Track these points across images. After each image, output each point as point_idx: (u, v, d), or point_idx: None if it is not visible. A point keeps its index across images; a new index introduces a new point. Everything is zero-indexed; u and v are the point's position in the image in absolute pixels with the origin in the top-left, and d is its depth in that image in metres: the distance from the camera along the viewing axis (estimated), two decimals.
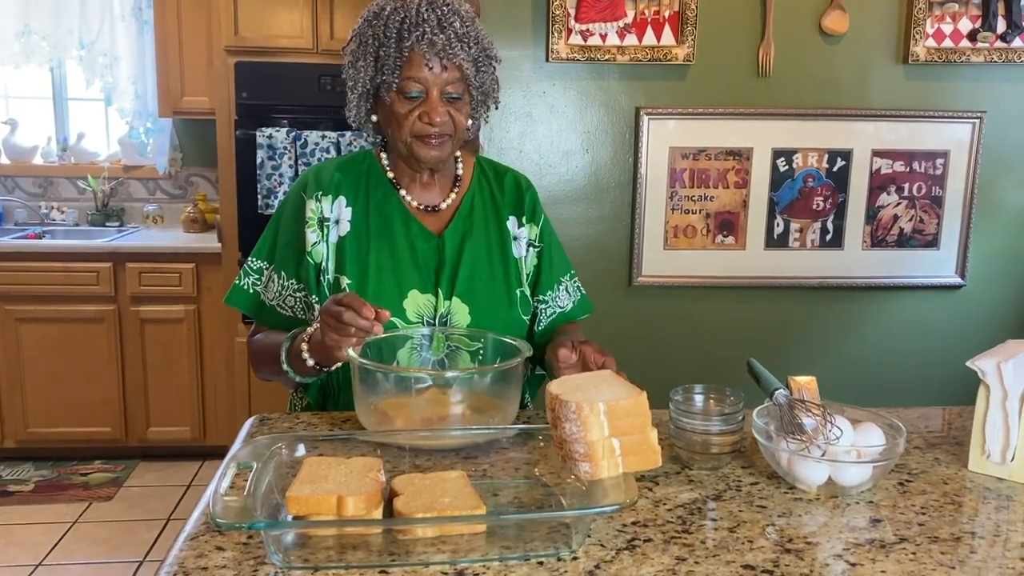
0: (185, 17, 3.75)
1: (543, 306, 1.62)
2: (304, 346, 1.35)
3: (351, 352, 1.26)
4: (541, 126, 2.63)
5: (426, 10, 1.39)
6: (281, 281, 1.51)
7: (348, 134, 3.42)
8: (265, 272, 1.54)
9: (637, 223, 2.67)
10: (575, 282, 1.69)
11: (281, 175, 3.42)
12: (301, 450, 1.09)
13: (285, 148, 3.41)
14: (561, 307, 1.64)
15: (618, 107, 2.63)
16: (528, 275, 1.60)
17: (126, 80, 4.04)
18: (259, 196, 3.43)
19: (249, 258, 1.56)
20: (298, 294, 1.50)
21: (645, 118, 2.61)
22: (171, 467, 3.72)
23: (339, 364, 1.34)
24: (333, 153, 3.43)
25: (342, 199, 1.51)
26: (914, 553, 0.98)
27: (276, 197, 3.42)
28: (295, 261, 1.50)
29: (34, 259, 3.58)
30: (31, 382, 3.65)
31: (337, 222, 1.50)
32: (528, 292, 1.59)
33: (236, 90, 3.46)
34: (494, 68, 1.49)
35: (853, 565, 0.95)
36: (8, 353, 3.62)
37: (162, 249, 3.64)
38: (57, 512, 3.28)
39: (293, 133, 3.42)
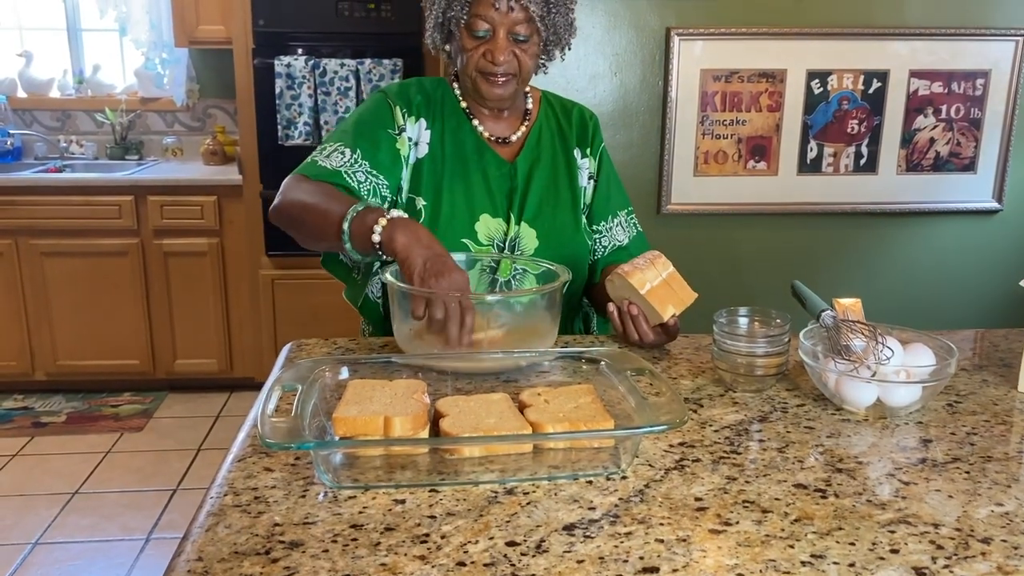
0: None
1: (598, 236, 1.61)
2: (383, 220, 1.23)
3: (388, 276, 1.24)
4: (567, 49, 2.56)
5: None
6: (354, 156, 1.42)
7: (367, 61, 3.35)
8: (330, 147, 1.44)
9: (667, 149, 2.61)
10: (632, 219, 1.67)
11: (300, 105, 3.37)
12: (345, 373, 1.08)
13: (304, 77, 3.35)
14: (618, 241, 1.63)
15: (648, 28, 2.56)
16: (586, 206, 1.60)
17: (140, 9, 3.96)
18: (279, 127, 3.39)
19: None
20: (371, 177, 1.42)
21: (676, 39, 2.54)
22: (199, 398, 3.77)
23: (390, 259, 1.27)
24: (352, 82, 3.36)
25: (422, 121, 1.51)
26: (968, 472, 0.97)
27: (296, 127, 3.38)
28: (376, 147, 1.44)
29: (55, 192, 3.57)
30: (58, 316, 3.68)
31: (416, 144, 1.50)
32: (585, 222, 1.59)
33: (253, 17, 3.38)
34: (570, 10, 1.45)
35: (906, 483, 0.94)
36: (35, 287, 3.64)
37: (183, 182, 3.62)
38: (90, 443, 3.33)
39: (312, 61, 3.35)
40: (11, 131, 4.01)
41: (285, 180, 1.44)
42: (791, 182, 2.66)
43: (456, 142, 1.51)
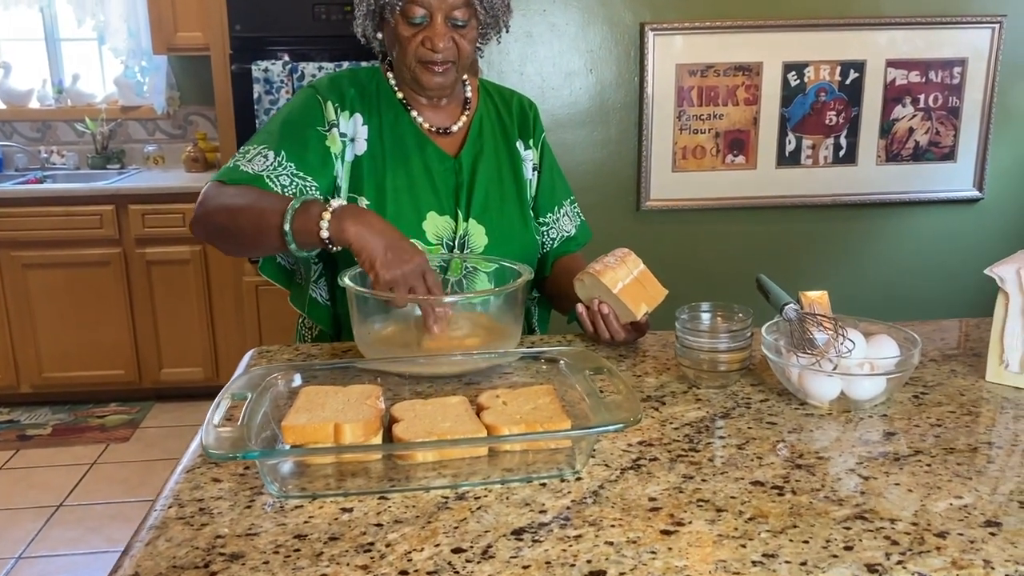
0: None
1: (545, 228, 1.58)
2: (327, 214, 1.19)
3: (347, 280, 1.22)
4: (542, 47, 2.54)
5: None
6: (278, 159, 1.36)
7: (346, 64, 3.33)
8: (252, 150, 1.38)
9: (644, 145, 2.60)
10: (575, 207, 1.65)
11: (279, 109, 3.35)
12: (298, 380, 1.07)
13: (282, 81, 3.33)
14: (566, 232, 1.60)
15: (622, 23, 2.54)
16: (532, 198, 1.57)
17: (118, 18, 3.94)
18: None
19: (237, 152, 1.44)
20: (297, 179, 1.36)
21: (650, 34, 2.52)
22: (185, 407, 3.75)
23: (340, 248, 1.23)
24: None
25: (358, 116, 1.44)
26: (929, 465, 0.96)
27: None
28: (303, 148, 1.38)
29: (36, 204, 3.55)
30: (43, 327, 3.66)
31: (353, 140, 1.44)
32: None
33: (229, 23, 3.36)
34: None
35: (866, 479, 0.92)
36: (17, 299, 3.61)
37: (164, 190, 3.59)
38: (75, 454, 3.31)
39: (289, 65, 3.33)
40: None
41: (203, 189, 1.37)
42: (770, 175, 2.64)
43: (395, 136, 1.45)
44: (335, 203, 1.22)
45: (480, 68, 2.51)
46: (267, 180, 1.34)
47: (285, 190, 1.35)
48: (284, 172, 1.36)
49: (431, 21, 1.35)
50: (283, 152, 1.37)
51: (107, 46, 4.00)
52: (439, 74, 1.38)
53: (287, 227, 1.22)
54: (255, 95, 3.34)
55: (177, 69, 4.11)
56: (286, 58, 3.36)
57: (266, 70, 3.32)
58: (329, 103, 1.42)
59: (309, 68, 3.33)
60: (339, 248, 1.21)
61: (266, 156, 1.36)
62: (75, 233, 3.57)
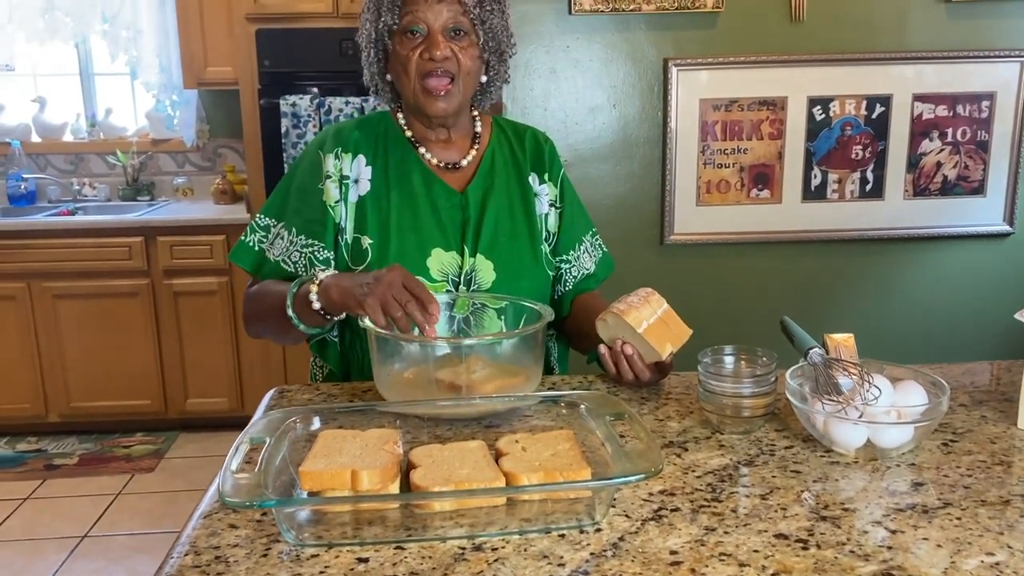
0: None
1: (567, 266, 1.57)
2: (313, 288, 1.28)
3: (367, 321, 1.22)
4: (566, 82, 2.56)
5: None
6: (290, 237, 1.46)
7: (372, 99, 3.37)
8: (273, 229, 1.48)
9: (668, 179, 2.59)
10: (596, 239, 1.64)
11: (306, 143, 3.37)
12: (316, 423, 1.06)
13: (309, 115, 3.38)
14: (586, 269, 1.60)
15: (645, 59, 2.55)
16: (552, 236, 1.56)
17: (150, 53, 4.02)
18: (286, 164, 3.41)
19: (257, 215, 1.52)
20: (305, 250, 1.44)
21: (674, 70, 2.53)
22: (210, 438, 3.76)
23: (343, 316, 1.31)
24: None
25: (361, 158, 1.48)
26: (959, 518, 0.93)
27: None
28: (308, 216, 1.45)
29: (67, 235, 3.61)
30: (71, 357, 3.70)
31: (356, 181, 1.47)
32: (548, 251, 1.55)
33: (258, 58, 3.42)
34: (502, 11, 1.44)
35: (893, 532, 0.90)
36: (47, 329, 3.67)
37: (192, 222, 3.64)
38: (101, 484, 3.33)
39: (317, 100, 3.38)
40: (25, 175, 4.07)
41: (244, 292, 1.51)
42: (796, 210, 2.62)
43: (401, 175, 1.47)
44: (319, 276, 1.30)
45: (504, 104, 2.52)
46: (283, 265, 1.45)
47: (296, 266, 1.44)
48: (295, 248, 1.45)
49: (429, 32, 1.37)
50: (293, 227, 1.46)
51: (139, 81, 4.08)
52: (442, 97, 1.39)
53: (291, 312, 1.32)
54: (283, 129, 3.39)
55: (207, 102, 4.18)
56: (314, 92, 3.41)
57: (294, 104, 3.37)
58: (329, 156, 1.46)
59: (336, 103, 3.37)
60: (338, 316, 1.30)
61: (282, 236, 1.47)
62: (105, 264, 3.62)
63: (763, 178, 2.61)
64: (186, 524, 0.94)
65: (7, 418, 3.74)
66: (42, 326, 3.66)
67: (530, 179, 1.55)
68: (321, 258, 1.43)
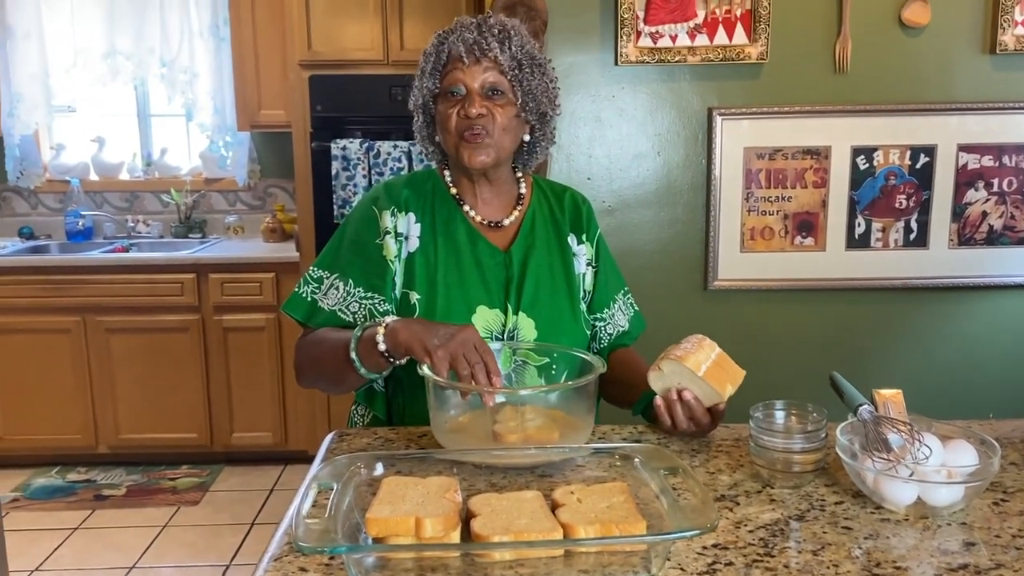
0: (260, 33, 3.84)
1: (602, 324, 1.62)
2: (380, 330, 1.30)
3: (426, 369, 1.26)
4: (611, 130, 2.61)
5: (470, 21, 1.46)
6: (347, 288, 1.49)
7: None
8: (326, 280, 1.51)
9: (712, 226, 2.62)
10: (628, 298, 1.69)
11: (355, 185, 3.48)
12: (379, 469, 1.11)
13: (359, 159, 3.47)
14: (620, 326, 1.64)
15: (690, 108, 2.60)
16: (588, 294, 1.62)
17: (205, 96, 4.17)
18: (335, 206, 3.50)
19: (309, 269, 1.56)
20: (365, 301, 1.48)
21: (718, 118, 2.57)
22: (254, 471, 3.82)
23: (403, 362, 1.33)
24: (405, 162, 3.47)
25: (411, 215, 1.53)
26: None
27: (351, 206, 3.48)
28: (366, 269, 1.49)
29: (121, 271, 3.72)
30: (122, 391, 3.80)
31: (407, 238, 1.52)
32: (585, 309, 1.60)
33: (311, 103, 3.53)
34: (543, 74, 1.49)
35: None
36: (100, 362, 3.77)
37: (243, 259, 3.74)
38: (148, 516, 3.40)
39: (366, 144, 3.47)
40: (83, 212, 4.21)
41: (296, 341, 1.53)
42: (839, 258, 2.63)
43: (448, 232, 1.52)
44: (387, 320, 1.33)
45: (549, 152, 2.58)
46: (340, 314, 1.48)
47: (355, 316, 1.47)
48: (353, 299, 1.49)
49: (467, 92, 1.44)
50: (350, 279, 1.49)
51: (194, 122, 4.22)
52: (478, 149, 1.44)
53: (354, 355, 1.34)
54: (333, 171, 3.48)
55: (259, 143, 4.30)
56: (363, 137, 3.50)
57: (344, 148, 3.47)
58: (385, 213, 1.51)
59: (384, 146, 3.46)
60: (402, 361, 1.32)
61: (337, 288, 1.49)
62: (157, 300, 3.73)
63: (807, 226, 2.63)
64: (256, 567, 0.98)
65: (59, 448, 3.84)
66: (95, 359, 3.77)
67: (569, 239, 1.60)
68: (381, 311, 1.47)
